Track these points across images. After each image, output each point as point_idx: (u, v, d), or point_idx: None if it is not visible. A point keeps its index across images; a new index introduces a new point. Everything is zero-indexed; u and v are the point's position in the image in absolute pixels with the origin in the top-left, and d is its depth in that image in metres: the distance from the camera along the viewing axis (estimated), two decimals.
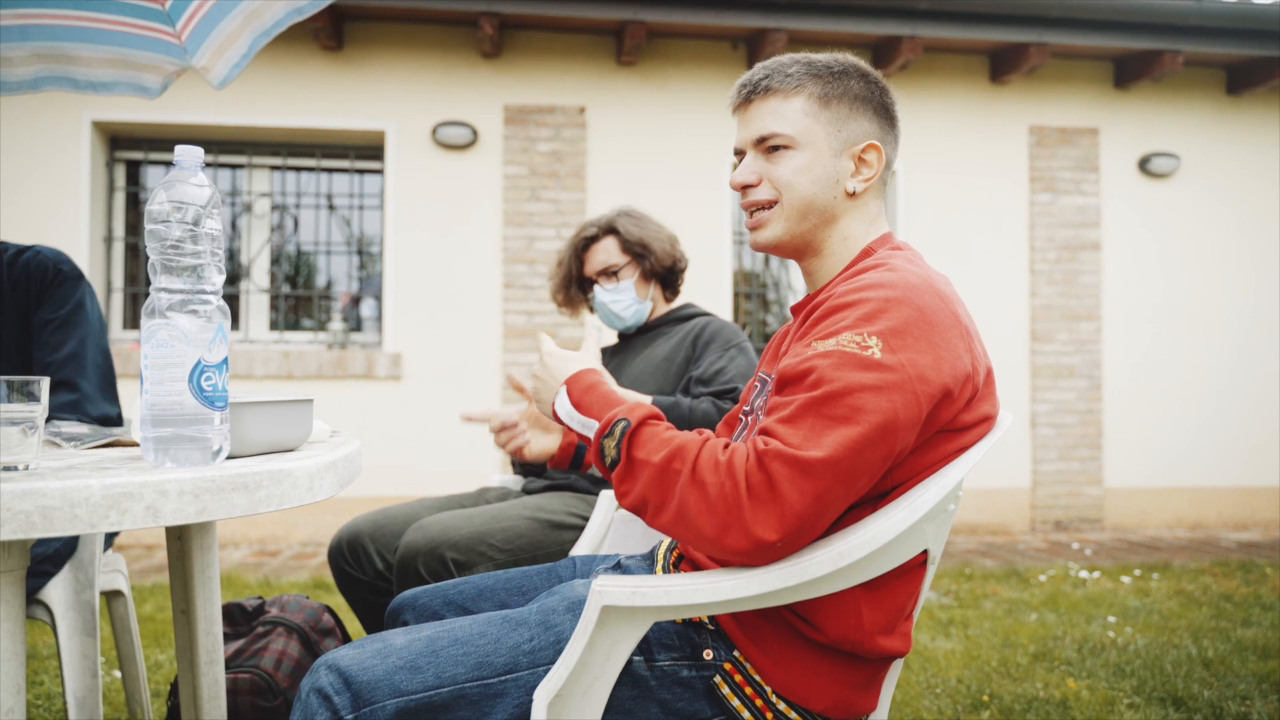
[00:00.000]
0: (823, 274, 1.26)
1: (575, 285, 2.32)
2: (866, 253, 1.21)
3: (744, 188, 1.25)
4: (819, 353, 1.02)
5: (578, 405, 1.17)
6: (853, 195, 1.22)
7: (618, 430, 1.09)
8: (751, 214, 1.26)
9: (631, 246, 2.21)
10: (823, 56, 1.25)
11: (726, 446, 1.02)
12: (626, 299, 2.20)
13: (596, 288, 2.24)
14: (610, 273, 2.22)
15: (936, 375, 1.02)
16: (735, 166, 1.28)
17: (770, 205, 1.23)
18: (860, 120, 1.22)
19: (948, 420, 1.07)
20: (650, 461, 1.04)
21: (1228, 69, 6.04)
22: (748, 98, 1.24)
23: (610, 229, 2.25)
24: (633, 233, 2.22)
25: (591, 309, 2.33)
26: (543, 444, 1.93)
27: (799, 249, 1.25)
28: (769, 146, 1.22)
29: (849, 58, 1.25)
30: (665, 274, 2.28)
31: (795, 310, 1.28)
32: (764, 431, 1.01)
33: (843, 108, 1.21)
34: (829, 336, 1.03)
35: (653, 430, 1.08)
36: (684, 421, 1.91)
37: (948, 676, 2.79)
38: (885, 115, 1.24)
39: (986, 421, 1.14)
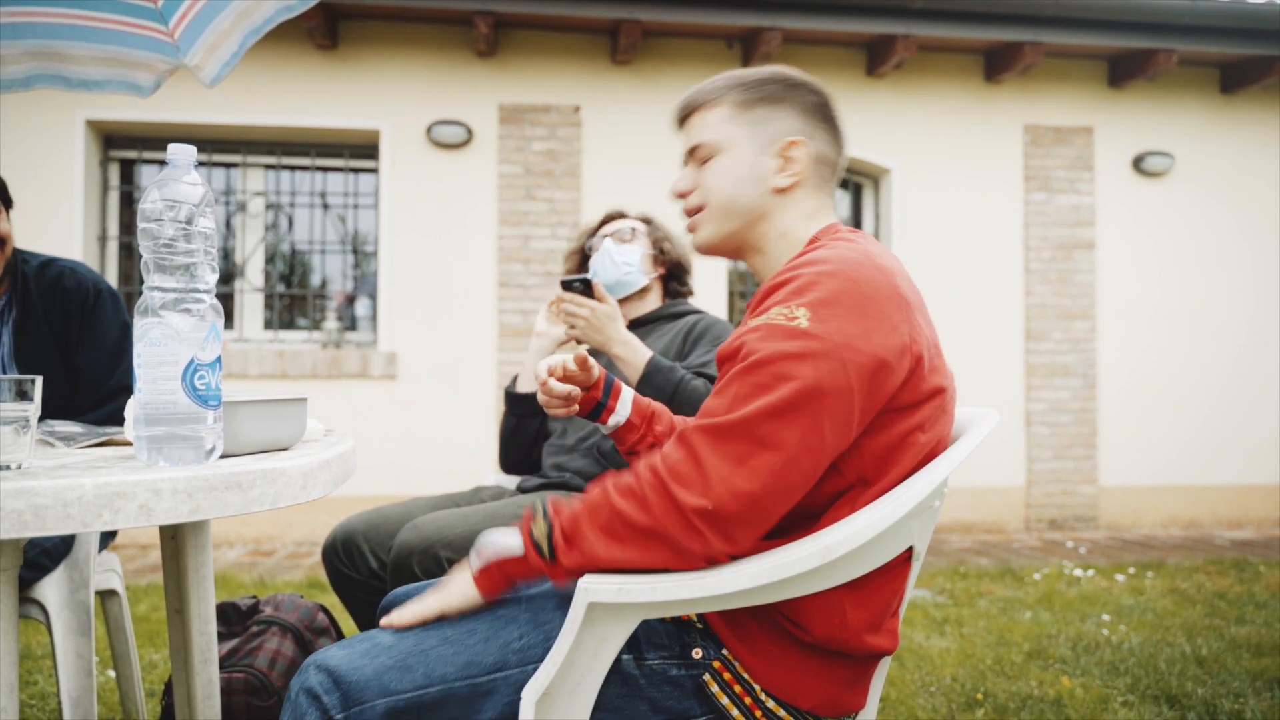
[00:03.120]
0: (767, 270, 1.29)
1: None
2: (810, 242, 1.23)
3: (680, 196, 1.31)
4: (749, 328, 1.05)
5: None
6: (782, 191, 1.24)
7: (539, 509, 1.10)
8: (688, 220, 1.32)
9: (659, 240, 2.31)
10: (747, 70, 1.29)
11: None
12: (633, 259, 2.24)
13: (605, 239, 2.26)
14: (626, 236, 2.27)
15: (866, 345, 1.02)
16: None
17: (700, 210, 1.29)
18: (783, 119, 1.25)
19: (891, 395, 1.06)
20: (577, 516, 1.05)
21: (1221, 68, 6.06)
22: (682, 117, 1.32)
23: (644, 220, 2.35)
24: (660, 231, 2.34)
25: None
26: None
27: (737, 248, 1.29)
28: (700, 157, 1.29)
29: (779, 68, 1.29)
30: (674, 267, 2.32)
31: (750, 307, 1.29)
32: (697, 414, 1.04)
33: (764, 109, 1.25)
34: (761, 314, 1.06)
35: (568, 503, 1.09)
36: (673, 387, 1.92)
37: (942, 675, 2.80)
38: (814, 113, 1.26)
39: (939, 395, 1.13)
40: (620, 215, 2.38)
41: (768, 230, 1.26)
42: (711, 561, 1.02)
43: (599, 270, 2.27)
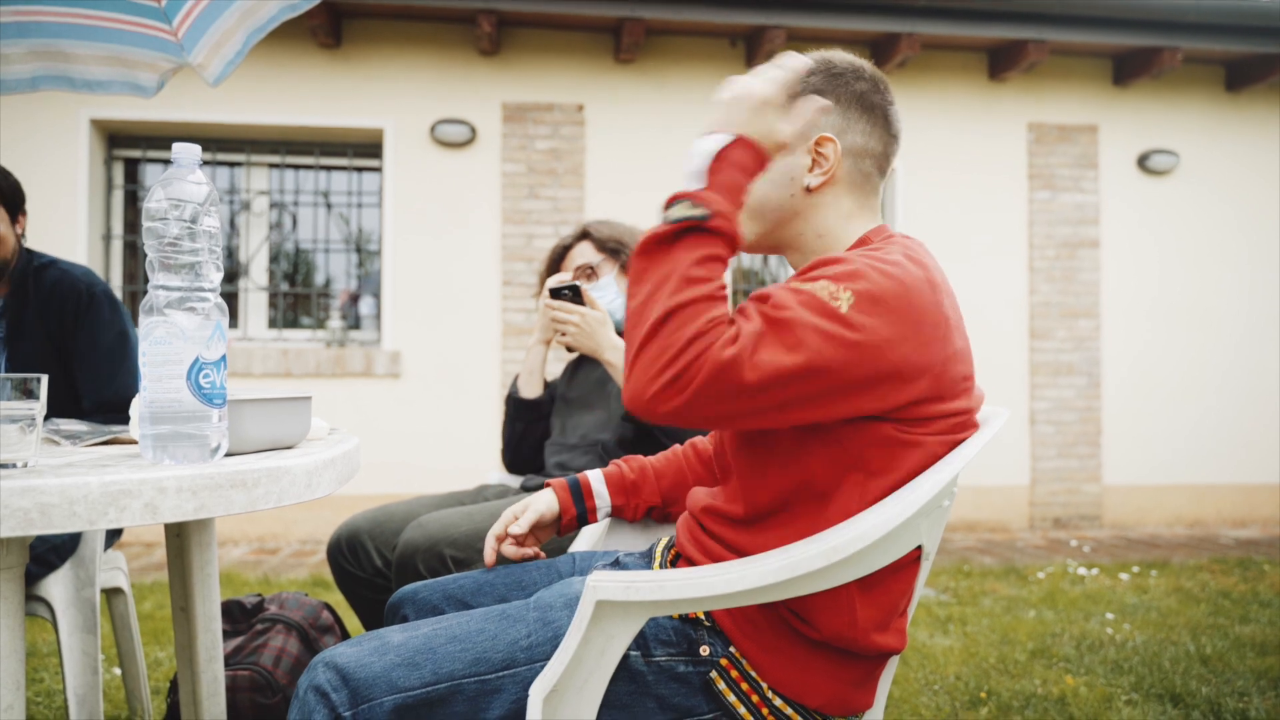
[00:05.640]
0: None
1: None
2: (861, 242, 1.20)
3: None
4: (792, 287, 1.03)
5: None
6: (813, 190, 1.21)
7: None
8: None
9: (606, 244, 2.25)
10: (799, 58, 1.24)
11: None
12: (610, 293, 2.21)
13: (585, 286, 2.24)
14: (589, 273, 2.23)
15: (891, 351, 1.01)
16: None
17: None
18: (819, 113, 1.20)
19: (896, 406, 1.05)
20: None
21: (1227, 66, 6.04)
22: None
23: (582, 234, 2.30)
24: (603, 232, 2.27)
25: None
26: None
27: (773, 247, 1.28)
28: None
29: (824, 53, 1.25)
30: None
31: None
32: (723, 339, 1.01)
33: (802, 103, 1.21)
34: (808, 280, 1.04)
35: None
36: None
37: (946, 673, 2.80)
38: (855, 104, 1.22)
39: (958, 416, 1.11)
40: (562, 250, 2.32)
41: (804, 230, 1.24)
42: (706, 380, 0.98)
43: None
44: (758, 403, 0.98)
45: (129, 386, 2.03)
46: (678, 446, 1.54)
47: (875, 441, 1.07)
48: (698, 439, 1.54)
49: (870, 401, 1.04)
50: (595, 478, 1.48)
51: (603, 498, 1.47)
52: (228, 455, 1.08)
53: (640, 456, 1.53)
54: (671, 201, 1.07)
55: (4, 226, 2.02)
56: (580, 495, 1.46)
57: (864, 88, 1.23)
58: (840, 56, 1.25)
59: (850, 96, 1.22)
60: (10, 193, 2.05)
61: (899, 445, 1.08)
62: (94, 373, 2.04)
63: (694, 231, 1.04)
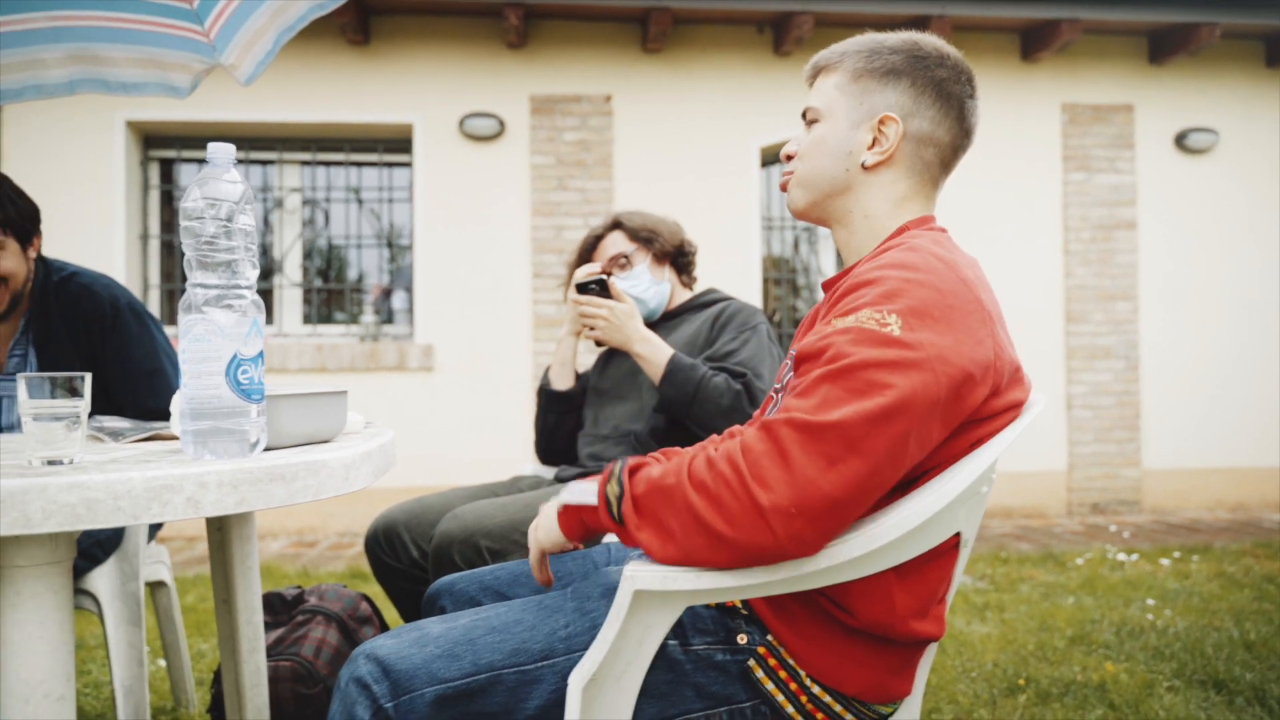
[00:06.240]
0: (850, 250, 1.26)
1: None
2: (898, 232, 1.20)
3: (785, 158, 1.30)
4: (837, 329, 1.01)
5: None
6: (869, 169, 1.21)
7: (616, 470, 1.09)
8: (783, 178, 1.31)
9: (638, 233, 2.25)
10: (885, 35, 1.25)
11: (726, 440, 1.03)
12: (644, 281, 2.21)
13: (612, 279, 2.24)
14: (622, 262, 2.23)
15: (957, 357, 1.00)
16: None
17: (792, 173, 1.28)
18: (888, 93, 1.20)
19: (973, 408, 1.05)
20: (650, 489, 1.03)
21: (1266, 41, 5.91)
22: (810, 78, 1.29)
23: (614, 224, 2.29)
24: (635, 220, 2.27)
25: None
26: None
27: (821, 219, 1.28)
28: (808, 120, 1.27)
29: (914, 35, 1.24)
30: (676, 255, 2.30)
31: (826, 286, 1.28)
32: (780, 410, 1.00)
33: (872, 81, 1.20)
34: (848, 314, 1.03)
35: (647, 468, 1.08)
36: (695, 385, 1.92)
37: (983, 660, 2.78)
38: (930, 90, 1.20)
39: (1015, 409, 1.12)
40: (594, 239, 2.31)
41: (852, 208, 1.24)
42: (776, 560, 0.98)
43: None
44: (866, 458, 0.95)
45: (168, 399, 1.98)
46: (716, 436, 1.53)
47: (943, 458, 1.08)
48: (736, 427, 1.53)
49: (956, 415, 1.03)
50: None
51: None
52: (266, 450, 1.09)
53: (679, 448, 1.53)
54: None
55: (13, 261, 1.91)
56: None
57: (944, 75, 1.20)
58: (928, 39, 1.23)
59: (927, 81, 1.20)
60: (21, 220, 1.93)
61: (963, 454, 1.08)
62: (131, 388, 2.01)
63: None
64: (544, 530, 1.19)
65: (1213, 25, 5.42)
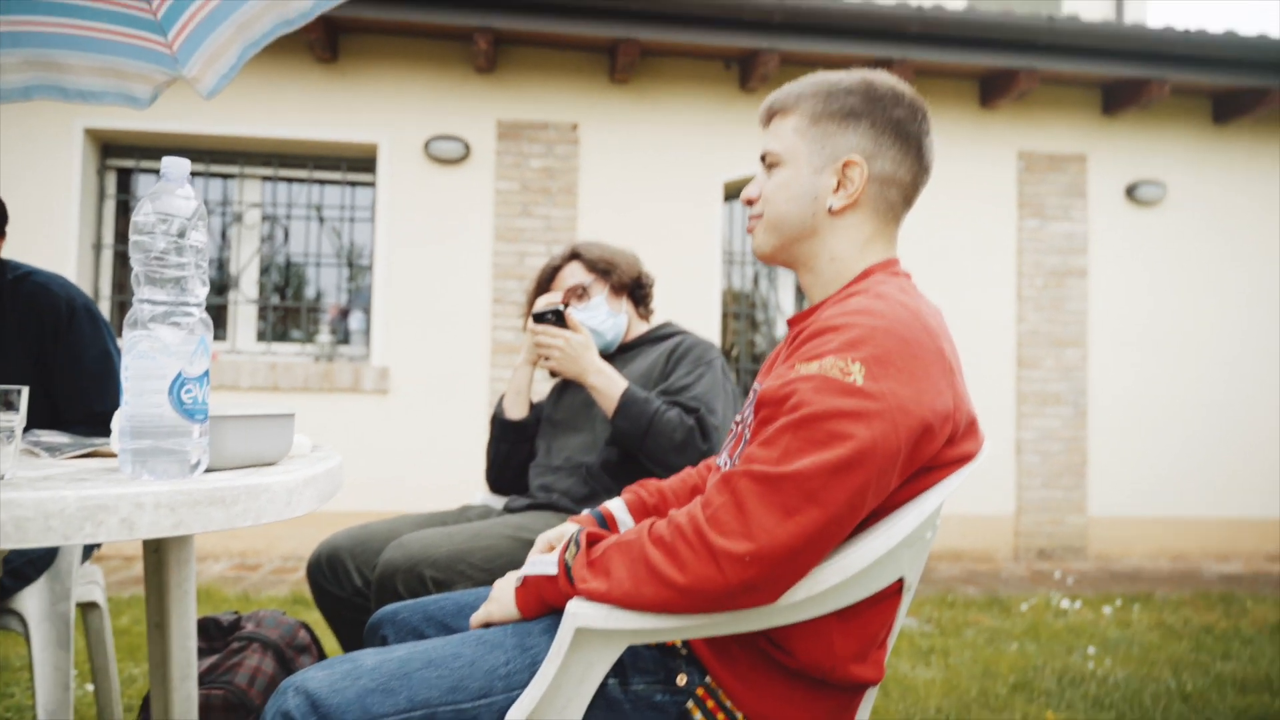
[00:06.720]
0: (815, 291, 1.27)
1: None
2: (863, 275, 1.21)
3: (747, 202, 1.30)
4: (801, 375, 1.02)
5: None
6: (835, 213, 1.21)
7: (575, 534, 1.12)
8: (749, 223, 1.31)
9: (596, 265, 2.25)
10: (840, 75, 1.24)
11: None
12: (601, 313, 2.21)
13: (569, 310, 2.24)
14: (579, 293, 2.23)
15: (917, 408, 1.01)
16: None
17: (759, 218, 1.28)
18: (849, 135, 1.20)
19: (929, 458, 1.07)
20: (608, 548, 1.06)
21: (1214, 98, 6.11)
22: (765, 119, 1.29)
23: (572, 255, 2.29)
24: (594, 252, 2.27)
25: None
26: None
27: (787, 261, 1.29)
28: (767, 164, 1.27)
29: (868, 74, 1.24)
30: (634, 287, 2.30)
31: (791, 323, 1.29)
32: (742, 459, 1.01)
33: (832, 124, 1.21)
34: (812, 359, 1.03)
35: (607, 537, 1.11)
36: (648, 419, 1.93)
37: (927, 705, 2.79)
38: (889, 131, 1.20)
39: (966, 460, 1.13)
40: (552, 270, 2.31)
41: (819, 251, 1.24)
42: (726, 607, 0.99)
43: None
44: (824, 508, 0.96)
45: (115, 402, 1.97)
46: (689, 469, 1.53)
47: (892, 506, 1.08)
48: (712, 459, 1.53)
49: (912, 464, 1.05)
50: (617, 506, 1.47)
51: (627, 525, 1.45)
52: (207, 471, 1.07)
53: (654, 480, 1.53)
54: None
55: None
56: (605, 525, 1.44)
57: (901, 114, 1.21)
58: (882, 79, 1.23)
59: (886, 121, 1.21)
60: None
61: (912, 489, 1.09)
62: (77, 389, 2.00)
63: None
64: (499, 605, 1.20)
65: (1163, 81, 5.59)
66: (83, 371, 2.00)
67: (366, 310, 5.61)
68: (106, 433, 1.79)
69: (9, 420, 0.99)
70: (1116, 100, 5.94)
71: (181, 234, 1.02)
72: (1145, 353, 6.04)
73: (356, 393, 5.23)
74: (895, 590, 1.14)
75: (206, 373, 1.04)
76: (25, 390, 1.01)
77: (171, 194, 1.03)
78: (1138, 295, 6.06)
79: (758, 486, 0.96)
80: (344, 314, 5.69)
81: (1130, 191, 6.04)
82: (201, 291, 1.05)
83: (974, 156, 5.92)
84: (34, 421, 1.92)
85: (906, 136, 1.21)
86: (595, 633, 0.98)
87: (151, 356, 1.00)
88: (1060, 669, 3.20)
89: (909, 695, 2.87)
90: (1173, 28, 5.49)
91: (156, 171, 5.40)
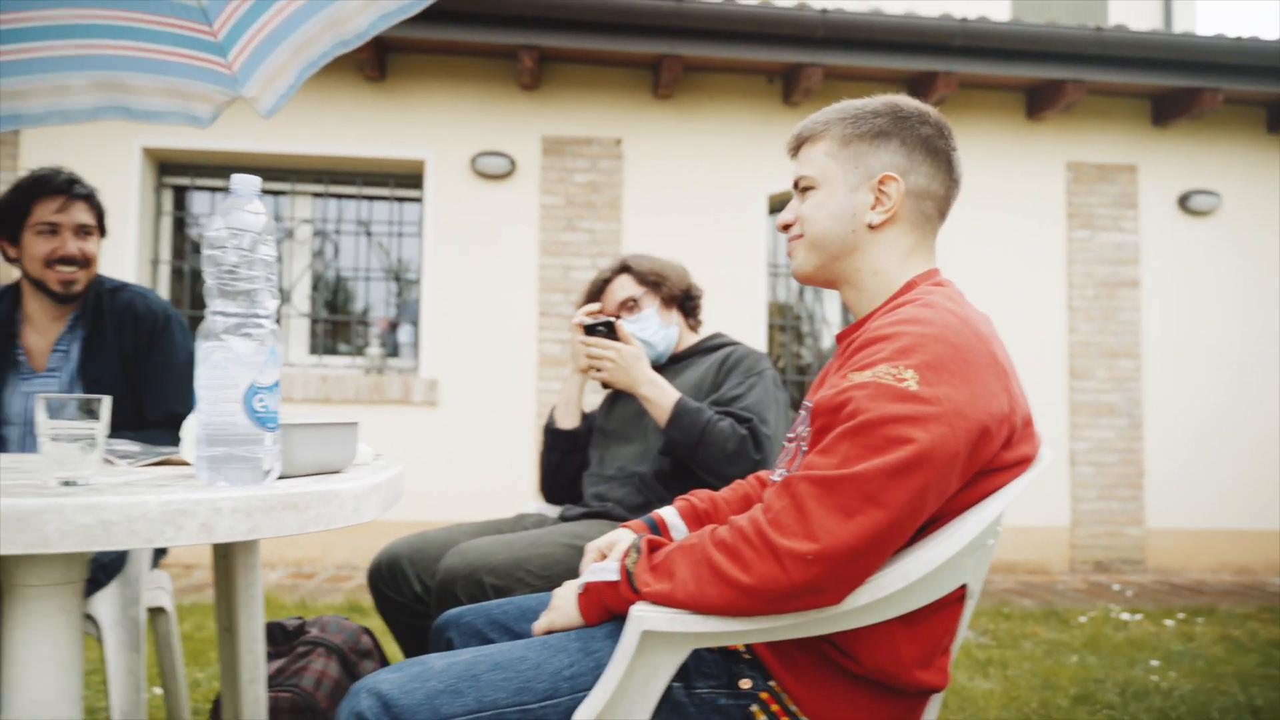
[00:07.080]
0: (860, 306, 1.28)
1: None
2: (908, 287, 1.23)
3: (783, 228, 1.33)
4: (855, 384, 1.04)
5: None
6: (875, 228, 1.24)
7: (635, 540, 1.15)
8: (789, 245, 1.33)
9: (646, 277, 2.26)
10: (864, 100, 1.29)
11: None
12: (652, 325, 2.23)
13: (620, 321, 2.25)
14: (630, 305, 2.25)
15: (973, 411, 1.02)
16: None
17: (798, 239, 1.30)
18: (881, 154, 1.24)
19: (987, 460, 1.07)
20: (670, 552, 1.09)
21: (1268, 107, 5.99)
22: (793, 149, 1.33)
23: (622, 268, 2.31)
24: (644, 265, 2.29)
25: None
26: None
27: (829, 280, 1.31)
28: (801, 188, 1.30)
29: (892, 97, 1.28)
30: (683, 299, 2.31)
31: (839, 338, 1.31)
32: (801, 466, 1.02)
33: (863, 144, 1.25)
34: (865, 368, 1.05)
35: (669, 543, 1.14)
36: (700, 429, 1.93)
37: (986, 717, 2.75)
38: (920, 147, 1.25)
39: (1024, 464, 1.13)
40: (602, 282, 2.34)
41: (860, 266, 1.26)
42: (791, 607, 1.01)
43: None
44: (885, 509, 0.98)
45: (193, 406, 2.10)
46: (739, 481, 1.54)
47: (956, 508, 1.09)
48: (764, 472, 1.54)
49: (971, 467, 1.05)
50: (669, 513, 1.49)
51: (679, 530, 1.46)
52: (278, 478, 1.09)
53: (706, 489, 1.54)
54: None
55: (97, 248, 2.21)
56: (657, 532, 1.46)
57: (929, 132, 1.26)
58: (907, 101, 1.28)
59: (915, 139, 1.25)
60: (102, 219, 2.26)
61: (974, 494, 1.09)
62: (166, 390, 2.17)
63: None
64: (561, 613, 1.21)
65: (1215, 90, 5.49)
66: (172, 375, 2.18)
67: (415, 323, 5.68)
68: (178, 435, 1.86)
69: (91, 429, 1.03)
70: (1167, 110, 5.84)
71: (252, 248, 1.06)
72: (1202, 363, 5.92)
73: (406, 404, 5.29)
74: (958, 597, 1.14)
75: (277, 383, 1.07)
76: (107, 400, 1.05)
77: (242, 209, 1.07)
78: (1193, 305, 5.94)
79: (817, 489, 0.98)
80: (393, 327, 5.77)
81: (1183, 201, 5.93)
82: (272, 304, 1.08)
83: (1021, 168, 5.85)
84: (118, 421, 2.00)
85: (936, 152, 1.26)
86: (660, 635, 0.99)
87: (225, 367, 1.03)
88: (1123, 682, 3.14)
89: (968, 706, 2.83)
90: (1224, 35, 5.39)
91: (211, 189, 5.53)
